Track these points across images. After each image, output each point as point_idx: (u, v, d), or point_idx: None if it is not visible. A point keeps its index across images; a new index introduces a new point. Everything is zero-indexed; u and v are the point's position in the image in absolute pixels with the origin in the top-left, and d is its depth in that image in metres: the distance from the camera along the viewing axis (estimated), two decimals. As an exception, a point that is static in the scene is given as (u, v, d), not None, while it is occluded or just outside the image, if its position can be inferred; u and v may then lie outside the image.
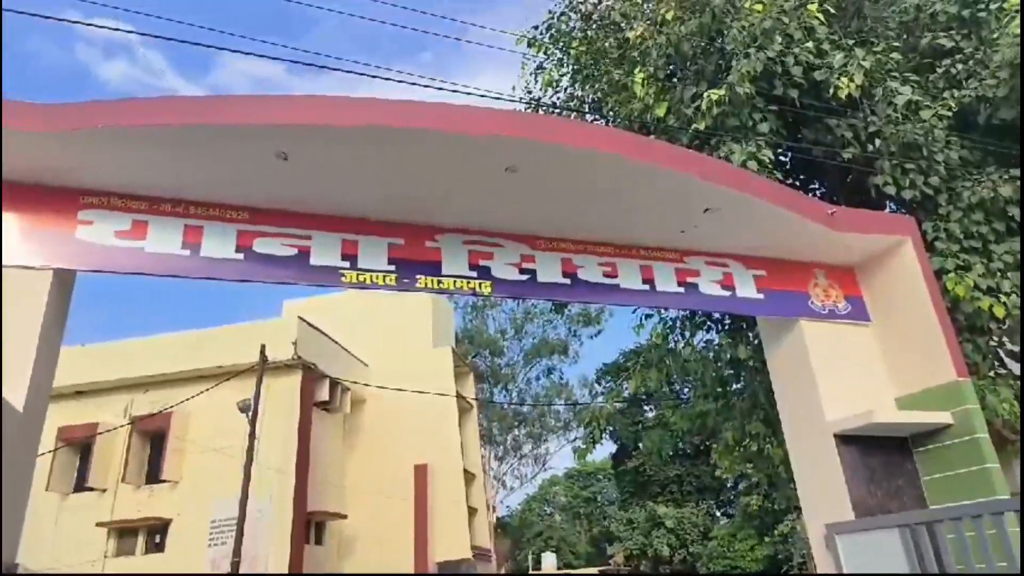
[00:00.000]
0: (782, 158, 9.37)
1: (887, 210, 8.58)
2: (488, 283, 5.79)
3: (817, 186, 9.80)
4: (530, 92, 11.48)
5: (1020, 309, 7.24)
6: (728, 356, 9.90)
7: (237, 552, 14.07)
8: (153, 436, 18.79)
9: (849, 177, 8.90)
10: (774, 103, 8.34)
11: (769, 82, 8.21)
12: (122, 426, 18.05)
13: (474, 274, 5.77)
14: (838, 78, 7.86)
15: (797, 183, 9.72)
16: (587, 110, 11.06)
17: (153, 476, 18.34)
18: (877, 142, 8.00)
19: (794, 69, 8.01)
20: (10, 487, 4.24)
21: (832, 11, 8.59)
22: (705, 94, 8.20)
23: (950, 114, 7.99)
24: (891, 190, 7.87)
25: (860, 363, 6.55)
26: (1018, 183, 7.66)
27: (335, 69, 5.94)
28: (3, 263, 4.54)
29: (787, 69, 8.07)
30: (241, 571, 14.08)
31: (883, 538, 5.23)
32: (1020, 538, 4.51)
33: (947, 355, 6.08)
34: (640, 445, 44.03)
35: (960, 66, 8.43)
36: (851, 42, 8.49)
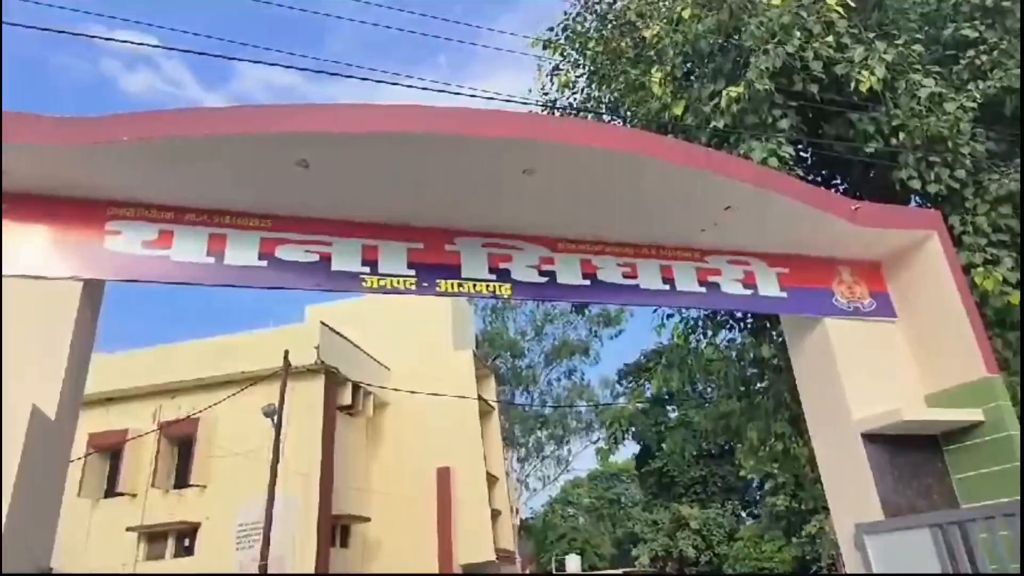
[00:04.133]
0: (803, 154, 9.26)
1: (912, 205, 8.44)
2: (508, 286, 5.79)
3: (839, 182, 9.67)
4: (546, 94, 11.48)
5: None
6: (751, 355, 9.81)
7: (264, 555, 14.24)
8: (181, 441, 19.09)
9: (872, 172, 8.77)
10: (794, 99, 8.25)
11: (788, 78, 8.12)
12: (151, 432, 18.37)
13: (493, 277, 5.78)
14: (859, 72, 7.75)
15: (819, 179, 9.60)
16: (604, 111, 11.03)
17: (182, 481, 18.64)
18: (901, 136, 7.87)
19: (814, 64, 7.91)
20: (44, 493, 4.34)
21: (852, 4, 8.46)
22: (723, 92, 8.14)
23: (975, 106, 7.84)
24: (916, 184, 7.74)
25: (887, 360, 6.44)
26: None
27: (352, 77, 6.01)
28: (34, 274, 4.65)
29: (807, 64, 7.97)
30: (269, 572, 14.25)
31: (914, 538, 5.14)
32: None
33: (977, 351, 5.96)
34: (663, 446, 43.73)
35: (985, 57, 8.27)
36: (872, 35, 8.37)
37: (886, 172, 8.21)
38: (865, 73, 7.68)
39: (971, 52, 8.38)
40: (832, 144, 8.52)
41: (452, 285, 5.66)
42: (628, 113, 10.17)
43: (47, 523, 4.46)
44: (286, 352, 16.38)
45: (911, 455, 5.98)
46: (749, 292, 6.42)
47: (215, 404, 17.17)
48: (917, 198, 8.41)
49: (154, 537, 18.37)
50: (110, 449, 18.73)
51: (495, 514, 23.29)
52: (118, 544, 17.71)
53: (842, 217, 6.16)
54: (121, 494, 18.43)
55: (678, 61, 9.28)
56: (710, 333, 10.46)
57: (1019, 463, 5.49)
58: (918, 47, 8.20)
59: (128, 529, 17.91)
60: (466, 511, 21.45)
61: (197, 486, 18.24)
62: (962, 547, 4.81)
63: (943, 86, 7.92)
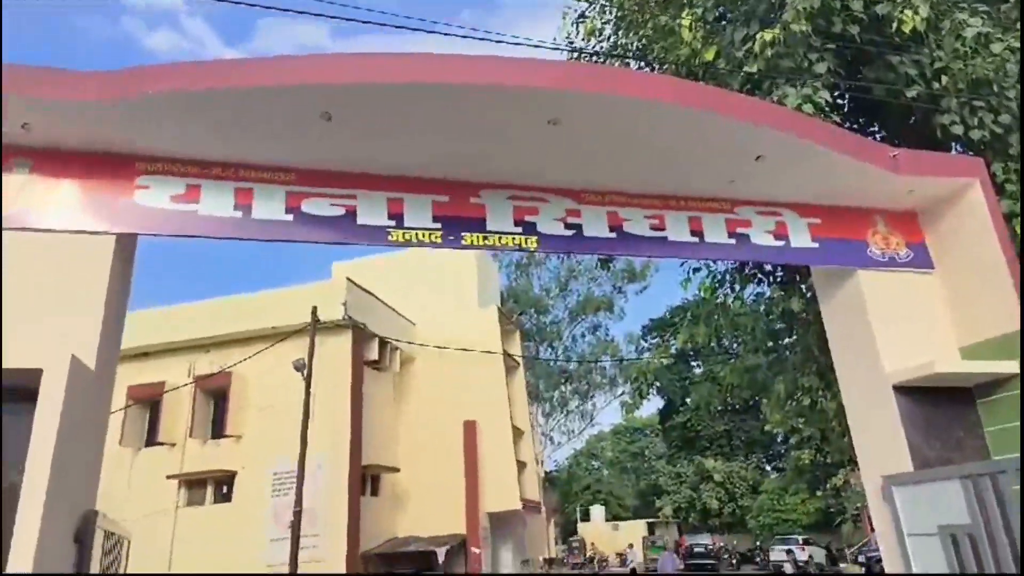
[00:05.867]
0: (840, 100, 8.91)
1: (953, 151, 8.12)
2: (534, 238, 5.74)
3: (878, 128, 9.32)
4: (572, 42, 11.15)
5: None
6: (780, 309, 9.68)
7: (299, 502, 14.76)
8: (216, 394, 19.66)
9: (913, 118, 8.43)
10: (832, 41, 7.90)
11: (827, 19, 7.76)
12: (186, 384, 18.94)
13: (519, 230, 5.73)
14: (902, 11, 7.38)
15: (856, 126, 9.27)
16: (631, 58, 10.70)
17: (218, 431, 19.27)
18: (943, 79, 7.52)
19: (854, 4, 7.54)
20: (86, 441, 4.50)
21: (895, -62, 8.01)
22: (757, 35, 7.82)
23: None
24: (958, 130, 7.43)
25: (921, 312, 6.31)
26: None
27: (379, 24, 5.89)
28: (68, 229, 4.73)
29: (846, 4, 7.61)
30: (303, 519, 14.80)
31: (944, 489, 5.11)
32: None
33: (1015, 302, 5.79)
34: (688, 400, 43.88)
35: (1037, -8, 7.81)
36: (916, -29, 7.94)
37: (927, 117, 7.89)
38: (908, 12, 7.30)
39: (1022, -12, 7.92)
40: (871, 88, 8.19)
41: (478, 238, 5.62)
42: (657, 60, 9.85)
43: (90, 469, 4.63)
44: (314, 308, 16.63)
45: (943, 407, 5.90)
46: (780, 243, 6.29)
47: (247, 359, 17.59)
48: (959, 145, 8.09)
49: (193, 484, 19.13)
50: (148, 400, 19.41)
51: (521, 466, 23.73)
52: (159, 491, 18.49)
53: (879, 165, 5.96)
54: (161, 443, 19.16)
55: (709, 4, 8.93)
56: (738, 287, 10.34)
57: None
58: (965, -17, 7.77)
59: (168, 477, 18.67)
60: (493, 463, 21.88)
61: (232, 436, 18.85)
62: (993, 499, 4.78)
63: (990, 26, 7.52)
